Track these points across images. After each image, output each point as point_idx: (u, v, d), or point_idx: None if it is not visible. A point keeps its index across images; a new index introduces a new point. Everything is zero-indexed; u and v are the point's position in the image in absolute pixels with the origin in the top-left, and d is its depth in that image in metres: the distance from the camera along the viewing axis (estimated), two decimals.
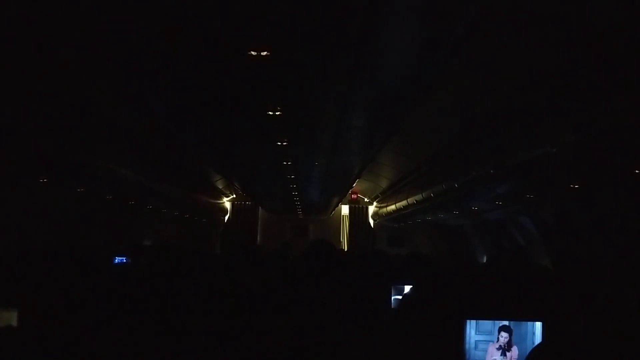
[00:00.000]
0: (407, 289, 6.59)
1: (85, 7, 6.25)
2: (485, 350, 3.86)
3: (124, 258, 11.34)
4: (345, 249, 30.97)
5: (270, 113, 10.02)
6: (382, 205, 30.17)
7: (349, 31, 6.62)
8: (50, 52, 7.64)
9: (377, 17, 6.29)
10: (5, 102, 9.08)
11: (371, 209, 33.93)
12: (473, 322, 3.87)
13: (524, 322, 3.85)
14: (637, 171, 9.38)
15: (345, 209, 34.62)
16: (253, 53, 7.07)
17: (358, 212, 34.35)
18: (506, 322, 3.86)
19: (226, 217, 34.27)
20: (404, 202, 22.59)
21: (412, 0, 6.10)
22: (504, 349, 3.86)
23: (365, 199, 33.70)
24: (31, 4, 6.30)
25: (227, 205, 34.04)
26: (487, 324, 3.87)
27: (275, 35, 6.78)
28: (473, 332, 3.88)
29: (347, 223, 34.91)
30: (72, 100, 9.98)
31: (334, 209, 32.56)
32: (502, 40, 7.94)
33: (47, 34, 6.95)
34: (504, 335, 3.84)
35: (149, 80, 9.04)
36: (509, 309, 3.92)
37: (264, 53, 7.07)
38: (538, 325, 3.84)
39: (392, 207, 25.64)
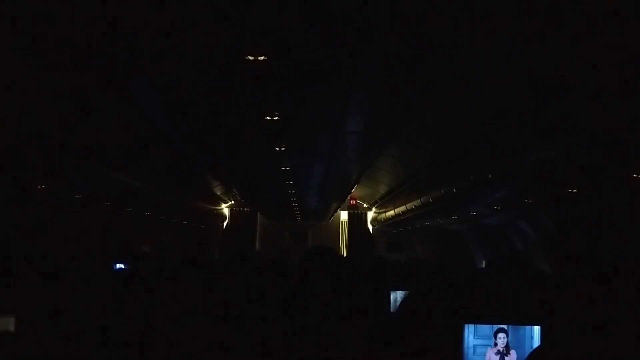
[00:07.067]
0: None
1: (83, 11, 6.25)
2: (484, 355, 3.85)
3: (123, 264, 11.33)
4: (344, 255, 30.95)
5: (268, 118, 10.02)
6: (381, 210, 30.17)
7: (346, 36, 6.62)
8: (49, 56, 7.64)
9: (374, 22, 6.30)
10: (4, 105, 9.08)
11: (370, 215, 33.93)
12: (471, 326, 3.86)
13: (521, 326, 3.85)
14: (635, 175, 9.37)
15: (344, 215, 34.62)
16: (250, 58, 7.06)
17: (357, 218, 34.34)
18: (504, 325, 3.85)
19: (225, 224, 34.26)
20: (402, 208, 22.59)
21: (409, 5, 6.10)
22: (503, 354, 3.85)
23: (364, 205, 33.70)
24: (32, 7, 6.29)
25: (226, 211, 34.02)
26: (485, 329, 3.87)
27: (273, 40, 6.78)
28: (472, 336, 3.87)
29: (346, 229, 34.91)
30: (70, 106, 9.98)
31: (332, 215, 32.57)
32: (499, 45, 7.94)
33: (46, 37, 6.95)
34: (502, 336, 3.83)
35: (147, 86, 9.04)
36: (508, 313, 3.92)
37: (262, 58, 7.07)
38: (536, 329, 3.83)
39: (391, 212, 25.64)
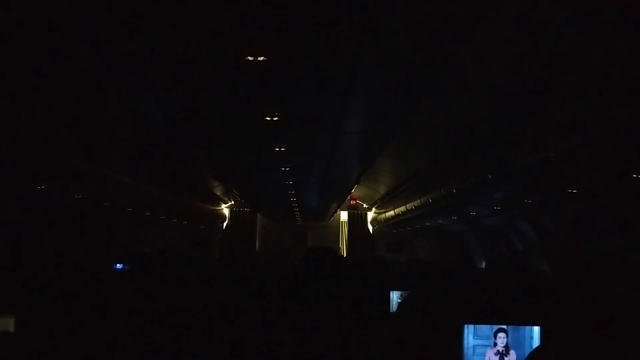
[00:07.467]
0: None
1: (84, 14, 6.25)
2: (483, 355, 3.85)
3: (123, 265, 11.33)
4: (344, 255, 30.96)
5: (268, 119, 10.01)
6: (380, 211, 30.18)
7: (346, 36, 6.62)
8: (49, 56, 7.64)
9: (374, 22, 6.30)
10: (4, 107, 9.08)
11: (370, 215, 33.95)
12: (471, 326, 3.87)
13: (521, 326, 3.85)
14: (635, 175, 9.38)
15: (344, 215, 34.63)
16: (250, 58, 7.06)
17: (357, 218, 34.36)
18: (503, 325, 3.85)
19: (225, 224, 34.26)
20: (402, 208, 22.61)
21: (409, 5, 6.10)
22: (502, 354, 3.85)
23: (364, 205, 33.72)
24: (33, 10, 6.30)
25: (226, 212, 34.03)
26: (485, 329, 3.87)
27: (272, 40, 6.78)
28: (471, 337, 3.87)
29: (346, 229, 34.92)
30: (69, 106, 9.98)
31: (332, 215, 32.56)
32: (499, 45, 7.94)
33: (46, 37, 6.95)
34: (501, 336, 3.83)
35: (147, 87, 9.04)
36: (507, 313, 3.92)
37: (261, 58, 7.07)
38: (536, 329, 3.83)
39: (391, 213, 25.65)
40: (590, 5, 6.23)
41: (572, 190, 11.63)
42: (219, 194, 29.23)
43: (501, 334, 3.84)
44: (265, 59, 7.10)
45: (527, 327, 3.85)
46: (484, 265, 19.68)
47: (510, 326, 3.86)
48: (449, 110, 11.85)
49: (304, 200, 24.18)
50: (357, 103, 9.52)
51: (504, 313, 3.91)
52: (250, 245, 32.89)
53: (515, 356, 3.84)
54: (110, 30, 6.65)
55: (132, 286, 5.74)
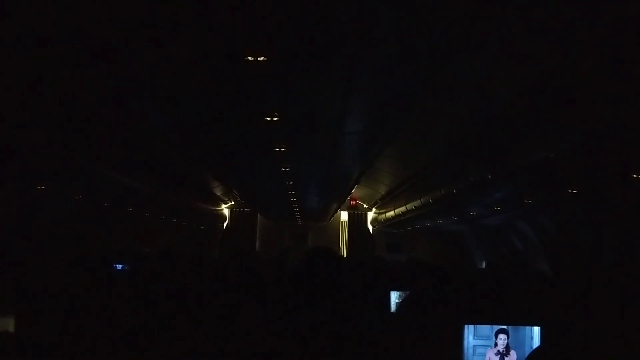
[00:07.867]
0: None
1: (83, 13, 6.25)
2: (484, 355, 3.85)
3: (123, 265, 11.32)
4: (344, 255, 30.97)
5: (268, 119, 10.01)
6: (381, 211, 30.19)
7: (346, 36, 6.62)
8: (49, 57, 7.64)
9: (375, 22, 6.29)
10: (6, 106, 9.09)
11: (370, 215, 33.96)
12: (471, 327, 3.86)
13: (522, 327, 3.84)
14: (635, 175, 9.38)
15: (344, 215, 34.66)
16: (250, 58, 7.06)
17: (357, 218, 34.39)
18: (504, 325, 3.85)
19: (225, 224, 34.28)
20: (402, 208, 22.61)
21: (409, 6, 6.10)
22: (503, 354, 3.85)
23: (365, 205, 33.73)
24: (33, 10, 6.30)
25: (226, 212, 34.06)
26: (485, 329, 3.86)
27: (272, 40, 6.78)
28: (471, 337, 3.87)
29: (346, 229, 34.94)
30: (69, 106, 9.98)
31: (333, 215, 32.58)
32: (499, 46, 7.95)
33: (46, 40, 6.95)
34: (502, 337, 3.83)
35: (146, 87, 9.04)
36: (508, 313, 3.91)
37: (261, 58, 7.06)
38: (536, 329, 3.83)
39: (391, 213, 25.66)
40: (589, 6, 6.23)
41: (572, 190, 11.64)
42: (219, 194, 29.24)
43: (502, 335, 3.83)
44: (265, 59, 7.10)
45: (527, 327, 3.84)
46: (484, 266, 19.67)
47: (510, 326, 3.85)
48: (449, 111, 11.85)
49: (304, 200, 24.17)
50: (357, 103, 9.52)
51: (504, 313, 3.90)
52: (250, 245, 32.89)
53: (515, 356, 3.83)
54: (109, 30, 6.65)
55: (132, 286, 5.74)
